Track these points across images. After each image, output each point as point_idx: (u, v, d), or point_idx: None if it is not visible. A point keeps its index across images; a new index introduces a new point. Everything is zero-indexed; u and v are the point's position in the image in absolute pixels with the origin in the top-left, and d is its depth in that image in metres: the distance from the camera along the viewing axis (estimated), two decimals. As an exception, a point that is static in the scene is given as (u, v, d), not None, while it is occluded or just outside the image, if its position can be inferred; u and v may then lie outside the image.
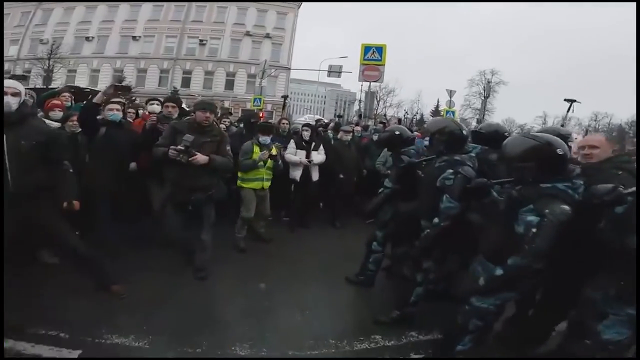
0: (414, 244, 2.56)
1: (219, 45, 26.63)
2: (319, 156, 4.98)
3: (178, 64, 26.52)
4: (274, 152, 4.06)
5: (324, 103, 63.14)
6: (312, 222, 5.19)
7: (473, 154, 2.51)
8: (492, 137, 2.89)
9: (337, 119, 10.25)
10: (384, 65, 9.97)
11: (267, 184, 4.13)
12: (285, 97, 6.73)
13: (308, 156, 4.86)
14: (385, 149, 4.27)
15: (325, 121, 9.50)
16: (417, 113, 40.25)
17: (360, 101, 35.94)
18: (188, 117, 3.38)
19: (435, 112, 38.94)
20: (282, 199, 4.96)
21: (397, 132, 3.22)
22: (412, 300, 2.67)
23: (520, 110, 59.81)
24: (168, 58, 26.32)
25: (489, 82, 31.68)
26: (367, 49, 9.78)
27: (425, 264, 2.55)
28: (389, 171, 3.21)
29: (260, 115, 9.21)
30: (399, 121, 13.49)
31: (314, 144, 4.95)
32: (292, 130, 6.33)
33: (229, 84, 26.54)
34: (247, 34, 26.68)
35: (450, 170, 2.31)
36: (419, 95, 44.59)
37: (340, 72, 17.90)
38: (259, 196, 4.08)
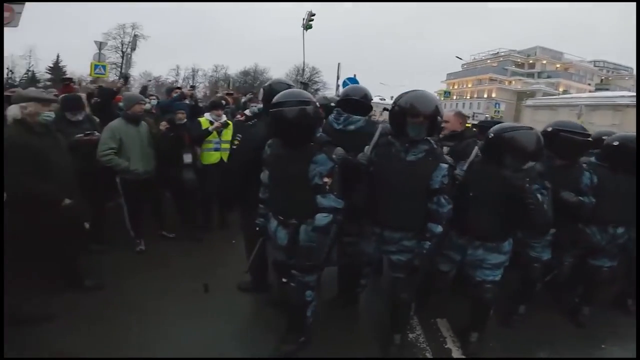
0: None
1: None
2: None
3: None
4: None
5: None
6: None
7: None
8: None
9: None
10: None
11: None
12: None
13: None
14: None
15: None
16: (29, 71, 32.13)
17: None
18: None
19: (55, 68, 32.59)
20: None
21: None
22: None
23: (157, 64, 58.63)
24: None
25: (135, 35, 31.27)
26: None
27: None
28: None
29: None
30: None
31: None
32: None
33: None
34: None
35: None
36: (31, 50, 31.73)
37: None
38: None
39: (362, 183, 1.97)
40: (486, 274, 2.10)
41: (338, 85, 13.55)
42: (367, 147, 2.01)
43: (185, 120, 3.53)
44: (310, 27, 15.47)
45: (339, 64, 15.03)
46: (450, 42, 66.68)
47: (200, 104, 5.15)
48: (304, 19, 14.94)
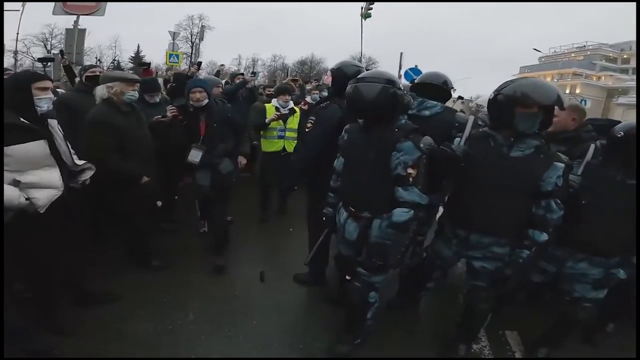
0: None
1: None
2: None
3: None
4: None
5: None
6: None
7: None
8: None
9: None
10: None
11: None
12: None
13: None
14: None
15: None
16: (114, 60, 35.28)
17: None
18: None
19: (136, 57, 34.71)
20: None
21: None
22: None
23: (221, 54, 61.75)
24: None
25: (203, 26, 32.48)
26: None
27: None
28: None
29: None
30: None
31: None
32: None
33: None
34: None
35: None
36: (115, 40, 35.48)
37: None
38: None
39: (450, 178, 1.74)
40: (588, 290, 1.84)
41: (400, 76, 12.99)
42: (457, 139, 1.76)
43: (207, 101, 2.56)
44: (369, 15, 14.99)
45: (401, 53, 14.40)
46: (521, 34, 60.53)
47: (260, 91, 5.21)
48: (362, 8, 14.55)
